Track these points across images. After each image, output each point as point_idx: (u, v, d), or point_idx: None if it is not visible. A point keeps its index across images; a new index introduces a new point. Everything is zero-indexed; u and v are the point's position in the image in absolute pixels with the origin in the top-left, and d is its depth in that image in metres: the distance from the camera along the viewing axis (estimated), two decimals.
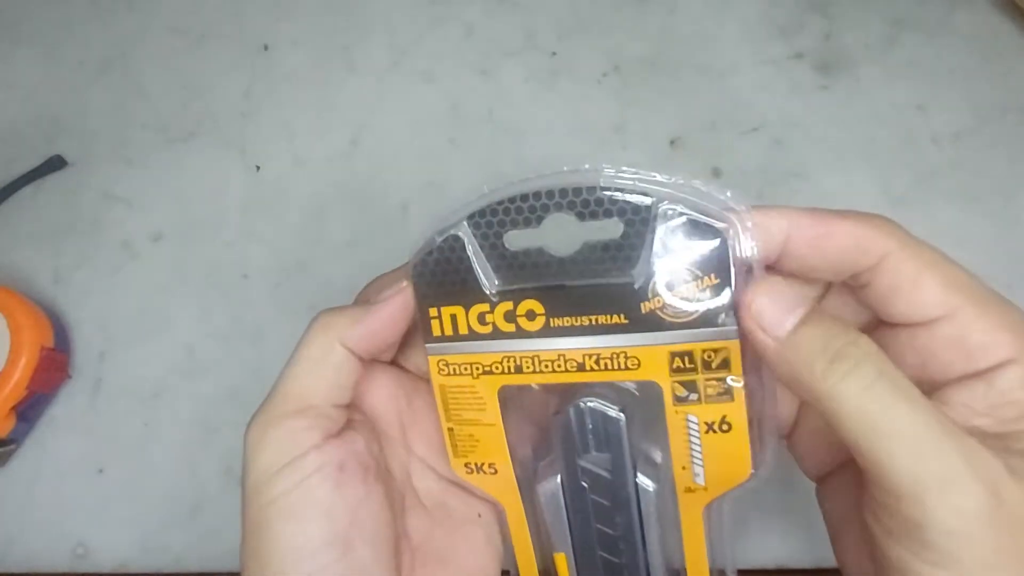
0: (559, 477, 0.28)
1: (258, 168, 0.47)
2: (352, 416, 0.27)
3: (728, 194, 0.23)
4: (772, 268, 0.25)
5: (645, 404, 0.26)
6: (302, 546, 0.24)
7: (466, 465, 0.28)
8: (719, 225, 0.23)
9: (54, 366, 0.42)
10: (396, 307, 0.26)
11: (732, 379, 0.24)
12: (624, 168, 0.24)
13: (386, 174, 0.46)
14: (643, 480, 0.27)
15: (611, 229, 0.24)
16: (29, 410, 0.41)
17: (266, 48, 0.50)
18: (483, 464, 0.28)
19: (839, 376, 0.21)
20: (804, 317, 0.22)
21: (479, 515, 0.29)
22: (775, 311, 0.23)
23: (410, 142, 0.47)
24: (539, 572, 0.29)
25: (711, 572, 0.27)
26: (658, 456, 0.27)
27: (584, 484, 0.27)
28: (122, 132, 0.49)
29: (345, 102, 0.48)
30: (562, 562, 0.28)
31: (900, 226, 0.24)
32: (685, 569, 0.27)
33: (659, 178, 0.24)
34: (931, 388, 0.23)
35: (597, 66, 0.47)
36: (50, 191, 0.48)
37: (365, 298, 0.28)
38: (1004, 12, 0.45)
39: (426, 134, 0.47)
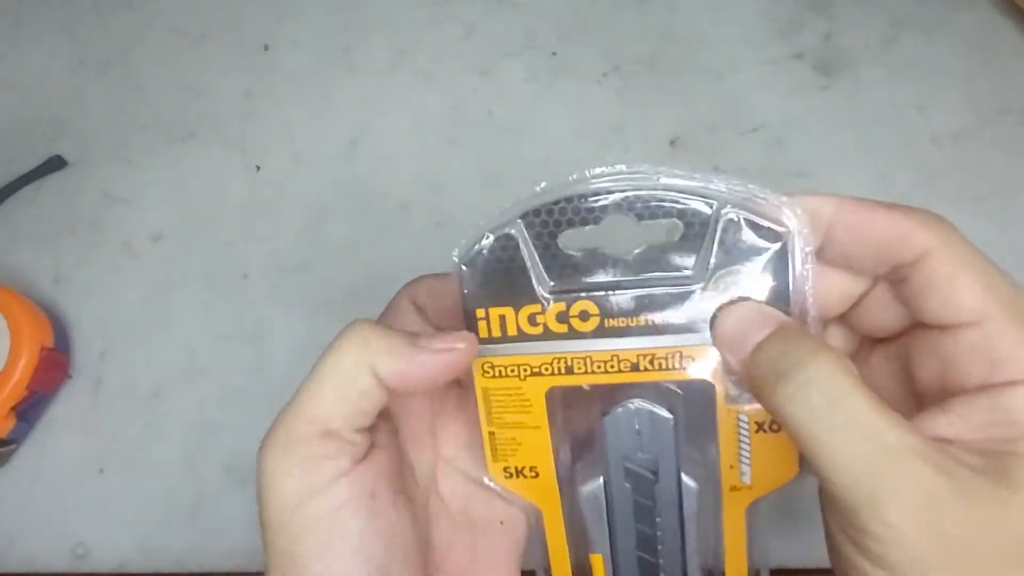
0: (601, 479, 0.27)
1: (258, 168, 0.47)
2: (377, 426, 0.26)
3: (783, 199, 0.23)
4: (817, 255, 0.25)
5: (689, 403, 0.26)
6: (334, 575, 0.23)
7: (505, 469, 0.27)
8: (779, 229, 0.23)
9: (54, 366, 0.42)
10: (448, 363, 0.24)
11: None
12: (680, 170, 0.24)
13: (386, 174, 0.46)
14: (687, 480, 0.27)
15: (670, 231, 0.24)
16: (29, 410, 0.41)
17: (266, 48, 0.50)
18: (524, 468, 0.27)
19: (785, 398, 0.21)
20: (767, 337, 0.23)
21: (501, 523, 0.28)
22: (739, 332, 0.23)
23: (410, 142, 0.47)
24: (573, 574, 0.28)
25: (749, 571, 0.27)
26: (701, 455, 0.27)
27: (628, 485, 0.27)
28: (122, 132, 0.49)
29: (345, 102, 0.48)
30: (598, 563, 0.28)
31: (948, 223, 0.23)
32: (722, 568, 0.27)
33: (717, 181, 0.24)
34: (945, 396, 0.23)
35: (597, 66, 0.47)
36: (50, 191, 0.48)
37: (410, 299, 0.27)
38: (1004, 12, 0.45)
39: (426, 134, 0.47)
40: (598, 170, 0.25)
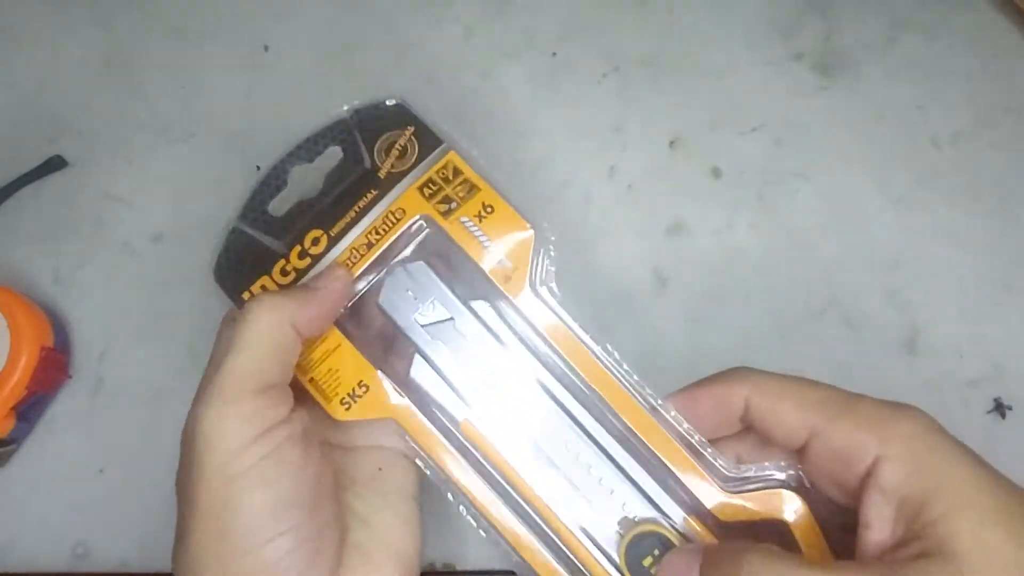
0: (415, 355, 0.30)
1: (258, 168, 0.47)
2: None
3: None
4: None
5: (443, 253, 0.31)
6: (273, 507, 0.24)
7: (342, 403, 0.29)
8: (390, 102, 0.32)
9: (54, 366, 0.42)
10: (341, 289, 0.29)
11: (469, 176, 0.31)
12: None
13: None
14: (476, 303, 0.30)
15: (337, 155, 0.32)
16: (29, 410, 0.41)
17: (266, 48, 0.50)
18: (354, 389, 0.29)
19: None
20: (699, 570, 0.25)
21: (379, 469, 0.30)
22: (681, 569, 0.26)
23: None
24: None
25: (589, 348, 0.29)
26: (469, 277, 0.30)
27: (438, 341, 0.30)
28: (122, 132, 0.49)
29: (345, 102, 0.48)
30: (470, 429, 0.30)
31: (753, 369, 0.27)
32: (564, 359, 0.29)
33: (346, 107, 0.32)
34: (851, 500, 0.25)
35: (597, 66, 0.47)
36: (50, 191, 0.48)
37: (225, 323, 0.30)
38: (1004, 12, 0.45)
39: None
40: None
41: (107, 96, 0.50)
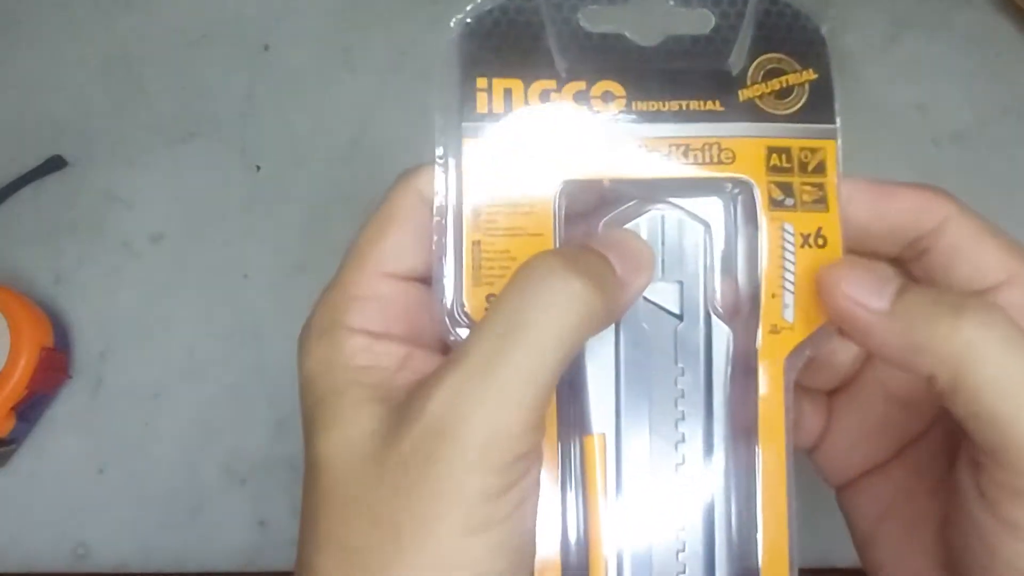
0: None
1: (258, 168, 0.47)
2: None
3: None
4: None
5: (732, 242, 0.23)
6: None
7: (488, 298, 0.22)
8: (818, 20, 0.23)
9: (54, 366, 0.42)
10: (644, 287, 0.21)
11: (828, 185, 0.23)
12: None
13: (386, 174, 0.46)
14: (717, 322, 0.22)
15: (701, 21, 0.22)
16: (29, 410, 0.41)
17: (266, 48, 0.50)
18: None
19: (973, 327, 0.18)
20: (903, 284, 0.20)
21: None
22: (871, 282, 0.20)
23: (410, 142, 0.46)
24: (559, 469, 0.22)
25: (785, 454, 0.22)
26: (732, 289, 0.23)
27: (645, 326, 0.22)
28: (122, 132, 0.49)
29: (345, 102, 0.48)
30: (591, 446, 0.22)
31: (956, 197, 0.24)
32: (754, 446, 0.22)
33: None
34: None
35: None
36: (50, 191, 0.48)
37: (419, 195, 0.24)
38: (1004, 12, 0.45)
39: (426, 134, 0.46)
40: None
41: (107, 96, 0.50)
